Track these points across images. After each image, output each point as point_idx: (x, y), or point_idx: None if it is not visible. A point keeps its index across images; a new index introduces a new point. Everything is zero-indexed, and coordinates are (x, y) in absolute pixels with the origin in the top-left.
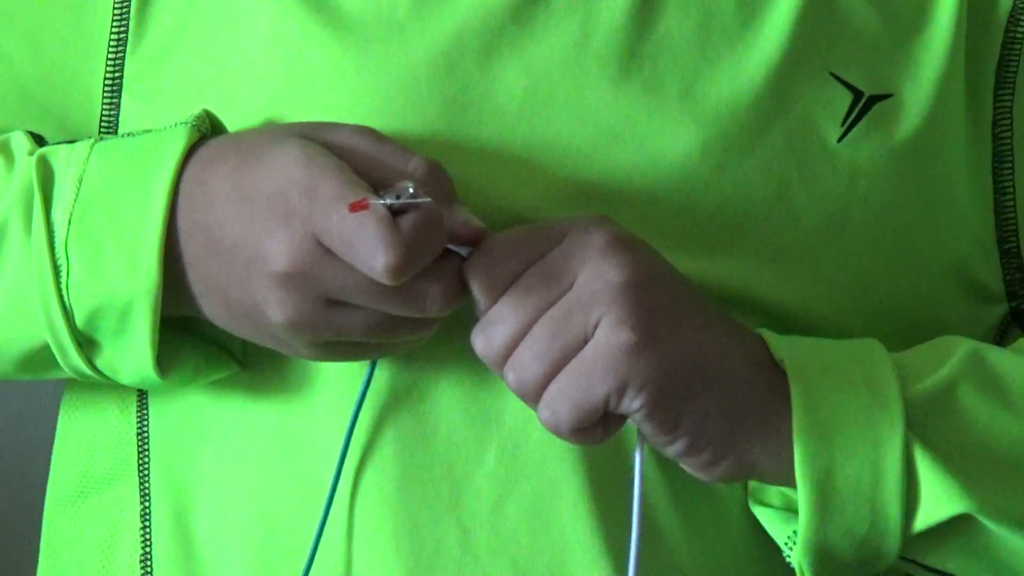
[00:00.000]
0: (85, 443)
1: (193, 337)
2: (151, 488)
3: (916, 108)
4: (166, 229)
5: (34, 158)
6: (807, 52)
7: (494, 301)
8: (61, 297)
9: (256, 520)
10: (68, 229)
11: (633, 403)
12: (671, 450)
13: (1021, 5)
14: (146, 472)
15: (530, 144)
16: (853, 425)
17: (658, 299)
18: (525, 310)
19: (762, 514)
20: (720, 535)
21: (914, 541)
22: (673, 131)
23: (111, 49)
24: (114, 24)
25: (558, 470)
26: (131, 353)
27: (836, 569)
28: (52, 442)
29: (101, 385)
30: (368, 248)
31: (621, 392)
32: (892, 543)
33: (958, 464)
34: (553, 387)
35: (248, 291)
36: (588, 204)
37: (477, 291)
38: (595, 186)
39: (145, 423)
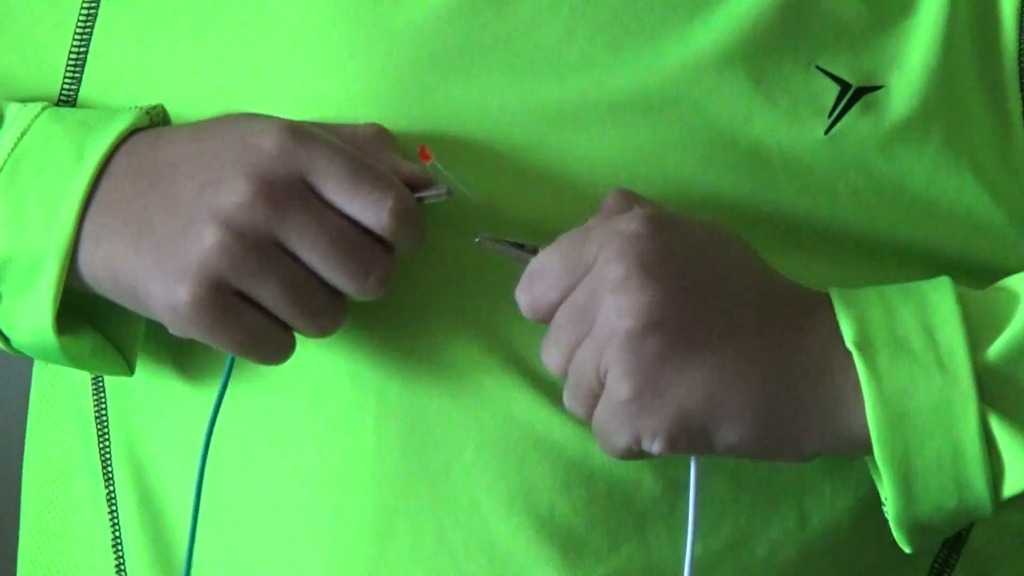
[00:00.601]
0: (54, 425)
1: (93, 327)
2: (114, 473)
3: (905, 99)
4: (92, 189)
5: None
6: (790, 42)
7: (544, 323)
8: None
9: (222, 499)
10: (0, 174)
11: (653, 447)
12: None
13: None
14: (107, 456)
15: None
16: (925, 408)
17: (666, 339)
18: (562, 347)
19: (871, 464)
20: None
21: (1005, 504)
22: (653, 125)
23: (80, 23)
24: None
25: (537, 467)
26: (31, 308)
27: (933, 538)
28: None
29: (63, 368)
30: (383, 186)
31: (638, 442)
32: (983, 511)
33: None
34: (594, 425)
35: (183, 213)
36: (574, 194)
37: (528, 317)
38: (579, 176)
39: (103, 406)
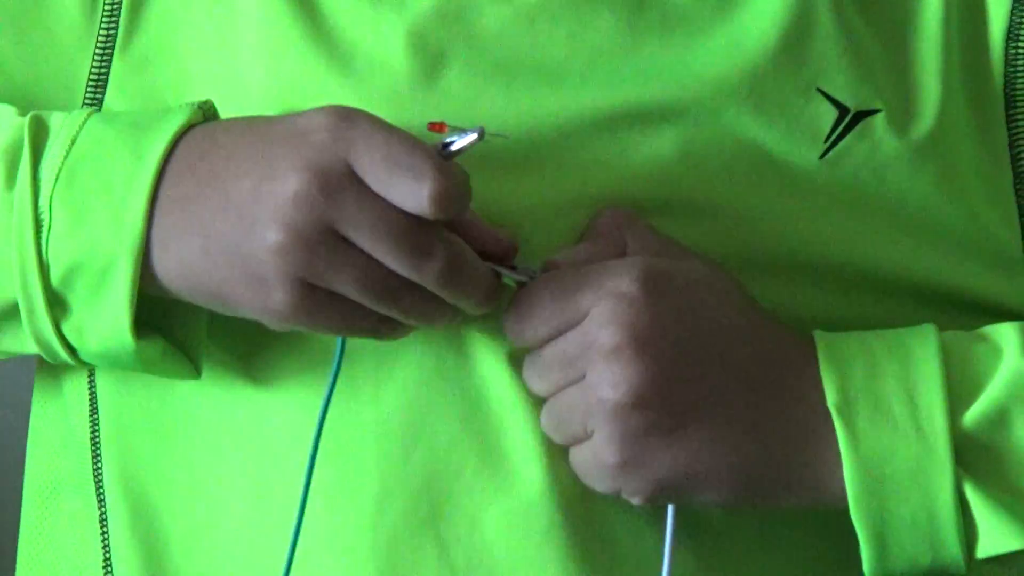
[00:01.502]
0: (50, 445)
1: (160, 329)
2: (106, 494)
3: (902, 125)
4: (155, 187)
5: (28, 116)
6: (791, 68)
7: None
8: (40, 252)
9: (233, 523)
10: (55, 184)
11: (632, 500)
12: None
13: (1018, 20)
14: (100, 478)
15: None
16: (902, 472)
17: (659, 409)
18: (547, 381)
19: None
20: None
21: (981, 562)
22: (651, 142)
23: (99, 45)
24: (103, 20)
25: (537, 487)
26: (105, 313)
27: None
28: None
29: (59, 384)
30: (417, 171)
31: (618, 494)
32: (958, 569)
33: (1016, 494)
34: (572, 455)
35: (244, 215)
36: (574, 212)
37: (511, 338)
38: (577, 196)
39: (96, 428)
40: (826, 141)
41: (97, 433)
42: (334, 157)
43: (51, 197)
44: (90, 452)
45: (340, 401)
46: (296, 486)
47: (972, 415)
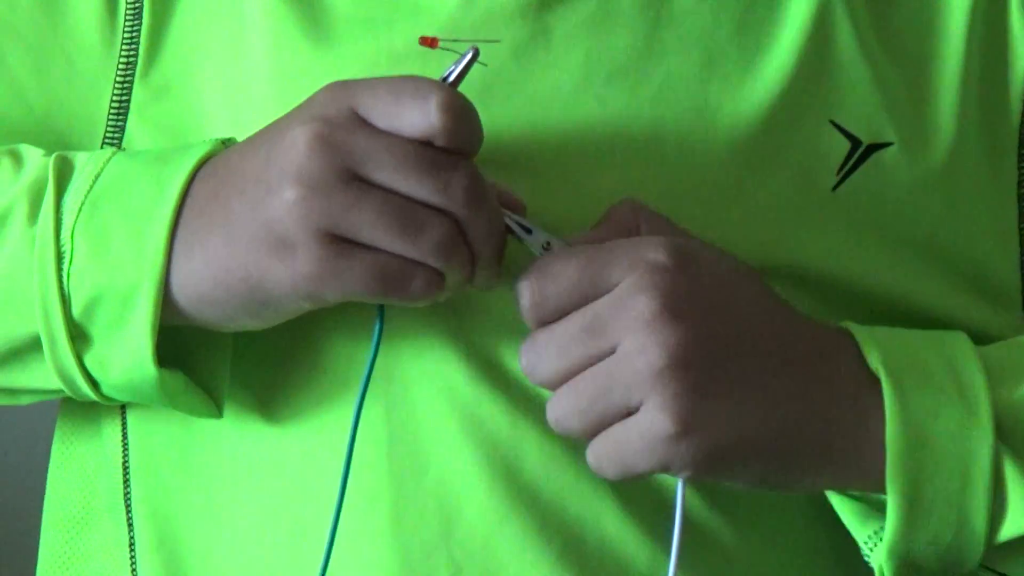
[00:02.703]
0: (81, 472)
1: (182, 367)
2: (134, 519)
3: (914, 158)
4: (176, 214)
5: (53, 156)
6: (807, 99)
7: (538, 325)
8: (61, 284)
9: (252, 550)
10: (77, 216)
11: (678, 475)
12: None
13: None
14: (129, 502)
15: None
16: (945, 435)
17: (704, 373)
18: (568, 357)
19: (840, 505)
20: (781, 545)
21: (995, 551)
22: (666, 170)
23: (119, 73)
24: (123, 47)
25: (551, 503)
26: (127, 342)
27: (917, 573)
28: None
29: (92, 412)
30: (422, 92)
31: (664, 470)
32: (975, 551)
33: None
34: (597, 445)
35: (259, 185)
36: (580, 205)
37: (525, 311)
38: (591, 216)
39: (127, 453)
40: (838, 173)
41: (127, 457)
42: (338, 106)
43: (73, 229)
44: (121, 476)
45: (359, 422)
46: (311, 512)
47: (1012, 394)
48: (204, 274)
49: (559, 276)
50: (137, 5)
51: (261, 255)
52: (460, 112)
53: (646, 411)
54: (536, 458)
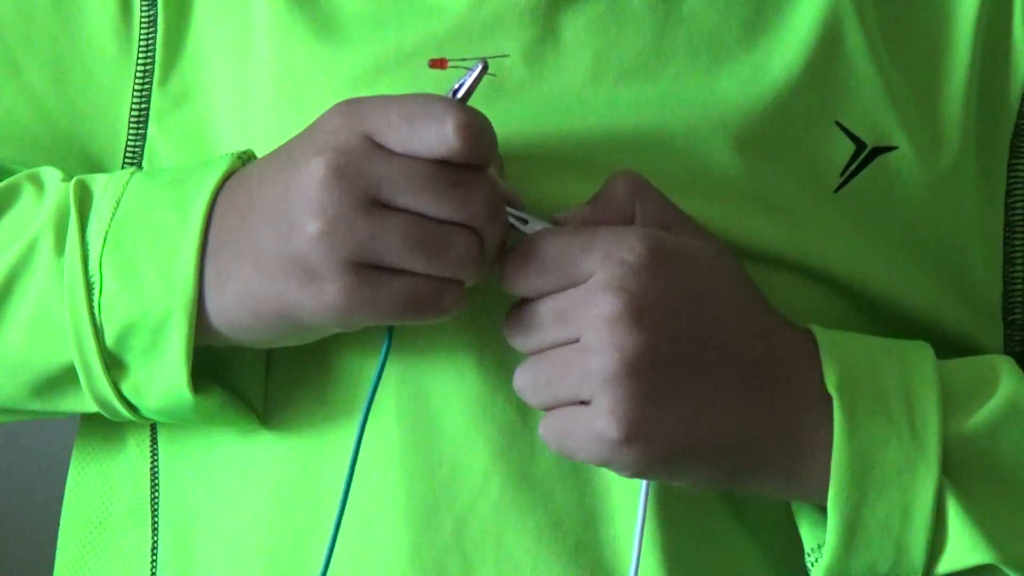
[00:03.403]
0: (104, 482)
1: (219, 379)
2: (159, 524)
3: (918, 163)
4: (203, 241)
5: (72, 182)
6: (814, 100)
7: (518, 296)
8: (93, 315)
9: (263, 558)
10: (103, 246)
11: (622, 473)
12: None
13: None
14: (156, 508)
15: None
16: (890, 465)
17: (656, 382)
18: (538, 336)
19: (799, 510)
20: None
21: None
22: (673, 164)
23: (137, 80)
24: (139, 56)
25: (564, 501)
26: (162, 370)
27: None
28: (58, 442)
29: (117, 424)
30: (436, 113)
31: (607, 465)
32: None
33: (989, 510)
34: (548, 420)
35: (281, 219)
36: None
37: (505, 288)
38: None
39: (156, 459)
40: (842, 175)
41: (156, 463)
42: (350, 133)
43: (100, 259)
44: (149, 481)
45: (369, 419)
46: (322, 518)
47: (963, 427)
48: (237, 305)
49: (538, 261)
50: (152, 13)
51: (291, 287)
52: (476, 130)
53: (593, 410)
54: (549, 454)
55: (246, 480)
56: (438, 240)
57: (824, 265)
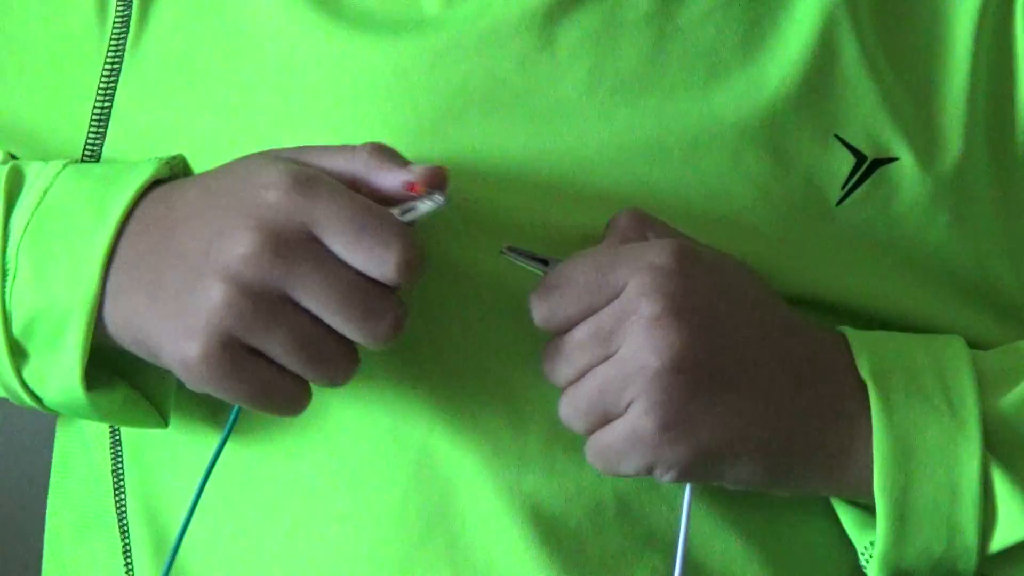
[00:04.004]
0: (78, 483)
1: (125, 380)
2: (129, 526)
3: (920, 174)
4: (114, 244)
5: (7, 167)
6: (811, 113)
7: (553, 334)
8: (4, 301)
9: (248, 548)
10: (23, 234)
11: (664, 478)
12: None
13: None
14: (123, 508)
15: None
16: (932, 446)
17: (697, 378)
18: (576, 365)
19: (842, 511)
20: (784, 550)
21: (990, 561)
22: (670, 178)
23: (103, 78)
24: (109, 52)
25: (555, 520)
26: (60, 365)
27: None
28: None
29: (87, 423)
30: (385, 238)
31: (649, 470)
32: (968, 562)
33: None
34: (594, 441)
35: (192, 269)
36: (590, 246)
37: (538, 324)
38: (594, 229)
39: (119, 459)
40: (843, 188)
41: (120, 463)
42: (291, 220)
43: (18, 247)
44: (112, 483)
45: (359, 424)
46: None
47: (1000, 403)
48: (122, 321)
49: (566, 286)
50: (126, 14)
51: (168, 331)
52: (414, 268)
53: (632, 412)
54: (539, 468)
55: (225, 472)
56: (324, 349)
57: (825, 284)
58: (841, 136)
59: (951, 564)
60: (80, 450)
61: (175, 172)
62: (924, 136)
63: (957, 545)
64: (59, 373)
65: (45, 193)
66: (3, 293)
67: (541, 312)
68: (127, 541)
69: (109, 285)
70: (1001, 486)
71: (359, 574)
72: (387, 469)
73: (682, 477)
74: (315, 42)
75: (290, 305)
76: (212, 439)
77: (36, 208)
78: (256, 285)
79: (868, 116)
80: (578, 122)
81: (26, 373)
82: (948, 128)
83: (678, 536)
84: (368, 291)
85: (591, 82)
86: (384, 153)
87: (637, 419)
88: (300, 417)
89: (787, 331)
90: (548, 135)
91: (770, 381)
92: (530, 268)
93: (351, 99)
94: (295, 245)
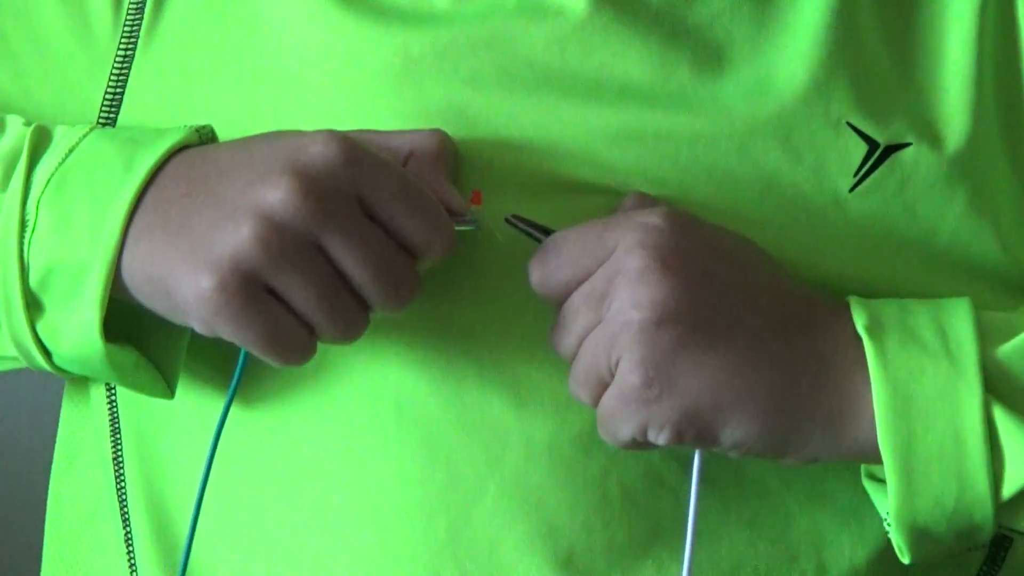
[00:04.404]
0: (81, 474)
1: (135, 348)
2: (130, 514)
3: (933, 158)
4: (138, 198)
5: (32, 126)
6: (822, 101)
7: (550, 299)
8: (21, 253)
9: (250, 533)
10: (45, 187)
11: (659, 439)
12: (726, 454)
13: None
14: (124, 498)
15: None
16: (931, 392)
17: (680, 333)
18: (575, 332)
19: (871, 489)
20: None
21: (1007, 508)
22: (684, 180)
23: (116, 65)
24: (122, 38)
25: (558, 508)
26: (77, 314)
27: (933, 545)
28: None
29: (88, 413)
30: (436, 212)
31: (643, 432)
32: (984, 512)
33: None
34: (599, 412)
35: (226, 208)
36: (601, 200)
37: (534, 289)
38: (615, 187)
39: (119, 447)
40: (856, 175)
41: (120, 452)
42: (339, 176)
43: (39, 199)
44: (113, 472)
45: (364, 426)
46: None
47: (1002, 349)
48: (139, 263)
49: (560, 251)
50: (140, 4)
51: (183, 268)
52: (445, 254)
53: (620, 371)
54: (544, 463)
55: (225, 457)
56: (341, 304)
57: (838, 273)
58: (852, 123)
59: (967, 517)
60: (85, 438)
61: (204, 140)
62: (935, 119)
63: (969, 493)
64: (76, 324)
65: (71, 151)
66: (21, 244)
67: (536, 276)
68: (128, 530)
69: (132, 231)
70: (1006, 430)
71: (363, 552)
72: (393, 445)
73: (676, 438)
74: (327, 31)
75: (319, 255)
76: (212, 422)
77: (61, 163)
78: (290, 227)
79: (878, 102)
80: (587, 118)
81: (40, 326)
82: (957, 110)
83: (686, 525)
84: (397, 257)
85: (600, 78)
86: (443, 146)
87: (624, 378)
88: (300, 396)
89: (784, 291)
90: (556, 129)
91: (762, 338)
92: (533, 237)
93: (360, 89)
94: (337, 198)
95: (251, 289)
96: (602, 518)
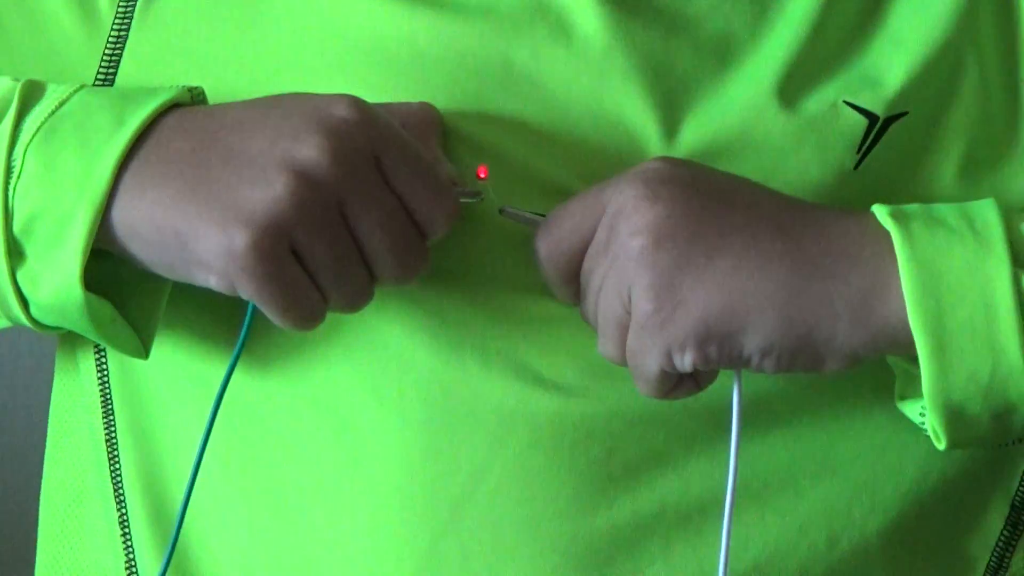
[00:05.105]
0: (74, 456)
1: (114, 301)
2: (125, 495)
3: (932, 125)
4: (130, 148)
5: (23, 80)
6: (818, 84)
7: (557, 271)
8: (5, 198)
9: (246, 520)
10: (34, 135)
11: (685, 362)
12: (762, 371)
13: None
14: (119, 479)
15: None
16: (959, 267)
17: (680, 248)
18: (591, 293)
19: (907, 408)
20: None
21: None
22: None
23: (109, 44)
24: (115, 25)
25: (561, 491)
26: (58, 263)
27: (969, 428)
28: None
29: (81, 394)
30: (445, 184)
31: (669, 358)
32: (1019, 388)
33: None
34: (629, 365)
35: (253, 163)
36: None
37: (545, 263)
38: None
39: (112, 429)
40: (859, 151)
41: (113, 434)
42: (362, 139)
43: (27, 147)
44: (106, 454)
45: (366, 405)
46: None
47: None
48: (147, 212)
49: (563, 220)
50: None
51: (211, 220)
52: (449, 225)
53: (633, 305)
54: (548, 444)
55: (224, 434)
56: (355, 274)
57: None
58: (850, 101)
59: (1003, 392)
60: (77, 417)
61: (196, 100)
62: (931, 87)
63: (1003, 366)
64: (57, 270)
65: (63, 103)
66: (6, 191)
67: (544, 250)
68: (124, 511)
69: (129, 181)
70: None
71: (364, 531)
72: (396, 426)
73: (700, 355)
74: (331, 13)
75: (341, 219)
76: (209, 396)
77: (51, 114)
78: (323, 188)
79: (872, 76)
80: (590, 112)
81: (20, 274)
82: (950, 73)
83: (727, 479)
84: (408, 229)
85: (602, 71)
86: (434, 116)
87: (637, 308)
88: (300, 373)
89: (785, 202)
90: (561, 122)
91: (759, 239)
92: (531, 223)
93: (364, 71)
94: (362, 163)
95: (281, 249)
96: (605, 499)
